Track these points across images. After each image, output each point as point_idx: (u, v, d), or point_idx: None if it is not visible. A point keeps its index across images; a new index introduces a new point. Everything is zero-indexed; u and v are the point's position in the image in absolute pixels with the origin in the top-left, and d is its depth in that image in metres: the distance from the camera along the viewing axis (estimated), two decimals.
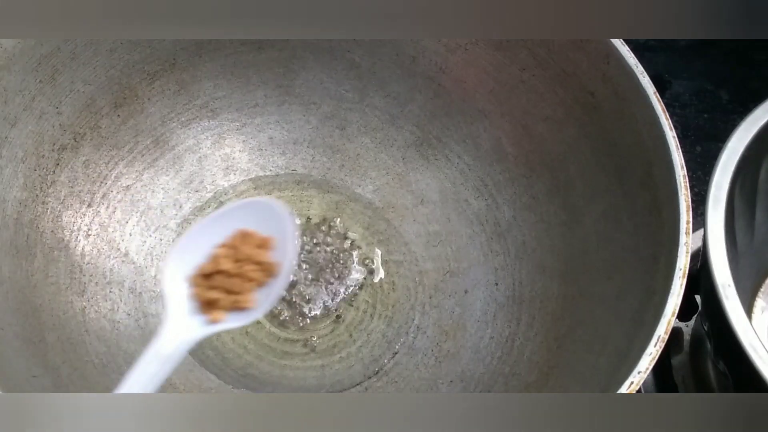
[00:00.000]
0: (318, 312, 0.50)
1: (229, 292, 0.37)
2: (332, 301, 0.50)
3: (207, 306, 0.37)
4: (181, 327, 0.36)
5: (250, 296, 0.37)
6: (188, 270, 0.37)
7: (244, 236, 0.38)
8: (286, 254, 0.37)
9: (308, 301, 0.50)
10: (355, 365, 0.49)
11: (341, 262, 0.52)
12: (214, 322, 0.36)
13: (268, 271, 0.37)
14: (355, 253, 0.52)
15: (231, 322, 0.37)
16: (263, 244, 0.38)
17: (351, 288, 0.51)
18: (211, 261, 0.37)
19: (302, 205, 0.53)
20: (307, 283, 0.50)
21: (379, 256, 0.52)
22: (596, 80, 0.44)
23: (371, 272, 0.52)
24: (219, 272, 0.37)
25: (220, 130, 0.53)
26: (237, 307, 0.37)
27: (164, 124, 0.51)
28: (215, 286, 0.37)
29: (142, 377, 0.34)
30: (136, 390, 0.33)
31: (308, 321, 0.50)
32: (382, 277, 0.51)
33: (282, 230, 0.38)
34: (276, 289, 0.37)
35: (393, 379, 0.48)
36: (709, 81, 0.68)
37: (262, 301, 0.37)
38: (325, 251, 0.52)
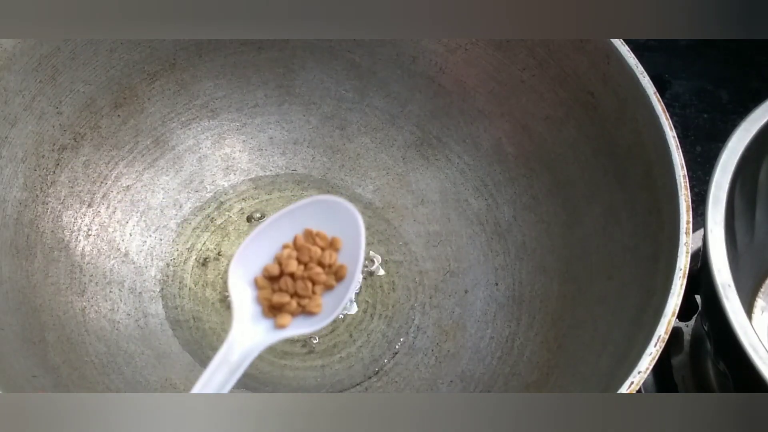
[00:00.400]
0: None
1: (297, 295, 0.35)
2: None
3: (272, 310, 0.35)
4: (247, 333, 0.34)
5: (318, 300, 0.35)
6: (254, 271, 0.36)
7: (311, 236, 0.36)
8: (355, 257, 0.36)
9: None
10: (355, 365, 0.49)
11: None
12: (280, 327, 0.35)
13: (336, 274, 0.36)
14: None
15: (297, 328, 0.35)
16: (330, 245, 0.36)
17: None
18: (277, 262, 0.36)
19: None
20: None
21: (380, 256, 0.52)
22: (596, 80, 0.44)
23: (371, 272, 0.51)
24: (285, 274, 0.35)
25: (220, 130, 0.53)
26: (304, 312, 0.35)
27: (164, 124, 0.51)
28: (282, 289, 0.35)
29: (211, 387, 0.32)
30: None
31: None
32: (382, 277, 0.51)
33: (349, 230, 0.36)
34: (345, 294, 0.35)
35: (393, 379, 0.48)
36: (709, 81, 0.68)
37: (330, 306, 0.35)
38: None
